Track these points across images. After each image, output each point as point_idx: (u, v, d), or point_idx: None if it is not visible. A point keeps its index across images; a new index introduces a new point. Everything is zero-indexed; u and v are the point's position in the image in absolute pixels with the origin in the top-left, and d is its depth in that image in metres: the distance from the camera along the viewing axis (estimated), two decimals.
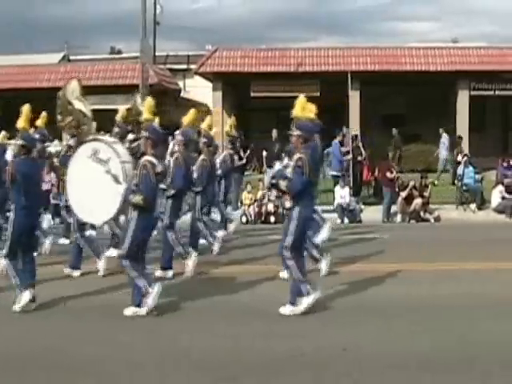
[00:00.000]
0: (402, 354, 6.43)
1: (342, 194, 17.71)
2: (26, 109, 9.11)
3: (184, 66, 33.32)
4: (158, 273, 9.97)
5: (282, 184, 7.84)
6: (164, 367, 6.25)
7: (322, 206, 17.83)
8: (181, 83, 32.75)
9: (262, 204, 16.82)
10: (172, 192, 10.10)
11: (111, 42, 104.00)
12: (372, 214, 18.59)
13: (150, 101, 9.05)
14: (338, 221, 16.93)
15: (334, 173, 19.93)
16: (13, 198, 8.37)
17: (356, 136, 22.00)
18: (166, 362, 6.38)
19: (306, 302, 7.68)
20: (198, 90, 30.82)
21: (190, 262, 10.09)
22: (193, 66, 29.70)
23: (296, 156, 7.76)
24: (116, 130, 11.94)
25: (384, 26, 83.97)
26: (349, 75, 22.35)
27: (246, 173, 19.36)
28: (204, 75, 27.79)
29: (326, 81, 25.43)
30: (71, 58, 36.77)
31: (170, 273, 10.09)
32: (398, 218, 18.14)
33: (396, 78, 25.53)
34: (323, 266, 9.78)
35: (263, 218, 16.73)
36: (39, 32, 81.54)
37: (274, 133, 20.15)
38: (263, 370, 6.13)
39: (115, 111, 12.27)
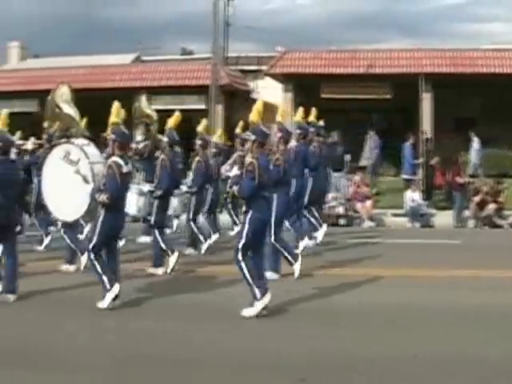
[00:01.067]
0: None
1: (413, 198, 17.52)
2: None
3: (255, 68, 33.48)
4: (151, 270, 10.49)
5: (235, 189, 8.21)
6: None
7: (393, 209, 17.81)
8: (251, 84, 32.95)
9: (332, 206, 16.79)
10: (159, 193, 10.51)
11: (183, 42, 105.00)
12: (444, 218, 18.33)
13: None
14: (409, 225, 16.77)
15: (406, 176, 19.75)
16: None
17: (427, 139, 21.74)
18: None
19: (258, 305, 7.82)
20: (269, 91, 30.93)
21: (172, 259, 10.44)
22: (263, 68, 29.87)
23: (247, 160, 8.00)
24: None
25: (455, 27, 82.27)
26: (421, 77, 22.09)
27: None
28: (274, 76, 27.90)
29: (396, 83, 25.19)
30: (144, 58, 37.43)
31: (159, 270, 10.49)
32: (471, 223, 17.85)
33: (469, 80, 25.09)
34: (297, 267, 9.97)
35: (333, 221, 16.69)
36: (113, 33, 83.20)
37: (335, 136, 19.99)
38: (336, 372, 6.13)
39: (186, 111, 12.52)
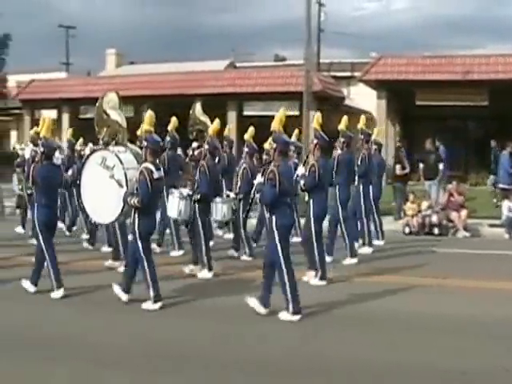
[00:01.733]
0: None
1: (511, 208, 17.01)
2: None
3: (348, 74, 33.39)
4: (199, 274, 10.77)
5: (257, 197, 8.69)
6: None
7: (489, 219, 17.33)
8: (345, 91, 32.85)
9: (426, 215, 16.50)
10: (197, 197, 10.76)
11: (276, 49, 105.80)
12: None
13: (150, 114, 10.20)
14: (506, 236, 16.26)
15: (503, 185, 19.20)
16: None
17: None
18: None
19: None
20: (362, 97, 30.77)
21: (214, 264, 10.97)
22: (357, 74, 29.73)
23: (269, 169, 8.35)
24: (168, 138, 12.98)
25: None
26: None
27: (409, 182, 19.03)
28: (368, 83, 27.72)
29: (495, 89, 24.59)
30: (237, 64, 37.89)
31: (205, 273, 10.80)
32: None
33: None
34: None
35: (427, 230, 16.41)
36: (207, 40, 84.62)
37: (428, 143, 19.62)
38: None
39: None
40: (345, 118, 12.45)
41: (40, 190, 9.47)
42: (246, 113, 29.34)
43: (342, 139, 12.18)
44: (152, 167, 8.78)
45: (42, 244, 9.39)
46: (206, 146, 11.25)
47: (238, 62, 38.67)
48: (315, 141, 10.42)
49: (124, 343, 7.40)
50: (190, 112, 14.02)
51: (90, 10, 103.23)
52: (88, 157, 10.24)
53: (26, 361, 6.80)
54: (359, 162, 13.03)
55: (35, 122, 32.54)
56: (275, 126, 8.58)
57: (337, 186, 11.70)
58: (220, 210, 11.42)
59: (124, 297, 8.91)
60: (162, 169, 9.25)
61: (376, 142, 14.51)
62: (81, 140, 14.92)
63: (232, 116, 28.04)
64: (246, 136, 13.48)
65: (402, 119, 29.28)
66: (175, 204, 11.00)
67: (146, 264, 8.76)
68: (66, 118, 31.55)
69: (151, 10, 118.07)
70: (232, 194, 12.33)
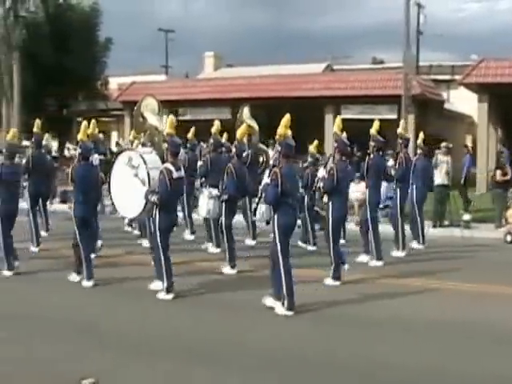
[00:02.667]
0: None
1: None
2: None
3: (448, 77, 32.85)
4: (224, 269, 11.31)
5: (224, 197, 10.17)
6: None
7: None
8: (444, 94, 32.32)
9: None
10: (225, 197, 11.29)
11: (374, 52, 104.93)
12: None
13: (171, 118, 10.71)
14: None
15: None
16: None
17: None
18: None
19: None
20: (462, 101, 30.21)
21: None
22: (457, 77, 29.19)
23: (272, 170, 8.96)
24: (211, 141, 13.56)
25: None
26: None
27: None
28: (469, 86, 27.17)
29: None
30: (334, 67, 37.87)
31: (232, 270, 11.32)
32: None
33: None
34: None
35: None
36: (305, 42, 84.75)
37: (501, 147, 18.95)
38: None
39: (373, 122, 12.56)
40: (376, 123, 12.59)
41: (77, 188, 10.53)
42: (343, 116, 29.26)
43: (372, 143, 12.44)
44: (172, 167, 9.52)
45: (78, 238, 10.34)
46: (234, 150, 11.87)
47: (335, 64, 38.65)
48: (335, 145, 10.97)
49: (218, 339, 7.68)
50: (238, 115, 14.65)
51: (188, 13, 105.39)
52: (117, 156, 11.08)
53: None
54: (397, 166, 13.30)
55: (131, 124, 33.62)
56: (281, 130, 9.05)
57: (367, 189, 12.32)
58: (259, 210, 11.42)
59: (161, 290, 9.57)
60: (182, 169, 9.90)
61: (421, 147, 14.79)
62: (136, 142, 14.86)
63: (329, 119, 28.03)
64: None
65: (504, 123, 28.55)
66: (204, 203, 12.05)
67: (162, 257, 9.48)
68: (164, 119, 32.28)
69: (250, 12, 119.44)
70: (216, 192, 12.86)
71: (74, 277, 10.43)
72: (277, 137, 9.31)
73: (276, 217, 8.82)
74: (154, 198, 9.44)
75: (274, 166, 9.42)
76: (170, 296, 9.38)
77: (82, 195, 10.45)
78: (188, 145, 14.97)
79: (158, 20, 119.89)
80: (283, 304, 8.64)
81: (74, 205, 10.54)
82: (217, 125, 13.78)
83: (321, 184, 10.87)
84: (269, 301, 8.80)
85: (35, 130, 14.07)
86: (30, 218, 13.42)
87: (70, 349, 7.25)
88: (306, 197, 13.50)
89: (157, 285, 9.65)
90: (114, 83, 36.24)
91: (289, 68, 33.80)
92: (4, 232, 11.02)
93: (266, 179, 9.26)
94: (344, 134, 10.98)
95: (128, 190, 10.26)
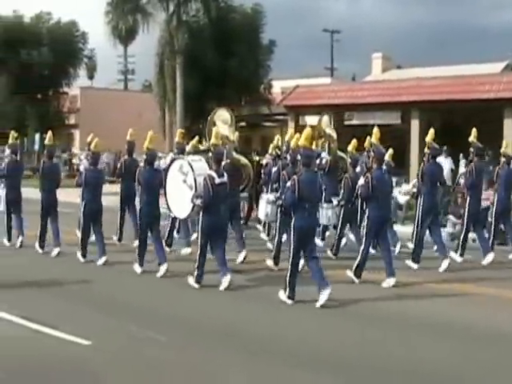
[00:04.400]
0: None
1: None
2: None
3: None
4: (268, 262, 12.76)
5: (279, 202, 11.06)
6: None
7: None
8: None
9: None
10: (280, 202, 11.46)
11: None
12: None
13: (216, 130, 12.41)
14: None
15: None
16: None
17: None
18: None
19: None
20: None
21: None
22: None
23: (292, 178, 10.39)
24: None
25: None
26: None
27: None
28: None
29: None
30: None
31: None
32: None
33: None
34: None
35: None
36: (482, 40, 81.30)
37: None
38: None
39: None
40: (431, 131, 13.32)
41: (143, 190, 12.46)
42: None
43: (427, 150, 13.31)
44: (214, 174, 11.05)
45: (140, 235, 12.43)
46: (289, 157, 12.94)
47: None
48: (372, 154, 12.10)
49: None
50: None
51: (355, 13, 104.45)
52: (170, 164, 12.55)
53: None
54: (467, 175, 13.96)
55: (299, 129, 33.12)
56: (301, 141, 10.60)
57: (420, 196, 13.35)
58: (325, 214, 13.75)
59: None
60: (225, 175, 11.27)
61: (505, 155, 14.58)
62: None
63: (509, 124, 26.07)
64: (349, 148, 14.35)
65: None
66: (263, 207, 13.75)
67: (199, 252, 11.14)
68: (325, 121, 31.52)
69: (422, 10, 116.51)
70: (335, 201, 13.93)
71: (136, 267, 12.32)
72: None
73: (293, 220, 10.11)
74: (198, 202, 11.09)
75: (295, 173, 10.73)
76: (197, 285, 11.08)
77: (147, 196, 12.31)
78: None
79: (323, 20, 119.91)
80: (285, 291, 10.10)
81: (140, 206, 12.64)
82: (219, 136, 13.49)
83: (359, 191, 11.80)
84: (282, 294, 10.14)
85: (47, 142, 14.95)
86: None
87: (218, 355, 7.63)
88: None
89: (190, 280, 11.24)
90: (277, 87, 35.94)
91: (462, 68, 31.96)
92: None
93: (288, 184, 10.42)
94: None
95: (179, 194, 11.87)
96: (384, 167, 12.19)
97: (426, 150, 13.33)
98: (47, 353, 7.92)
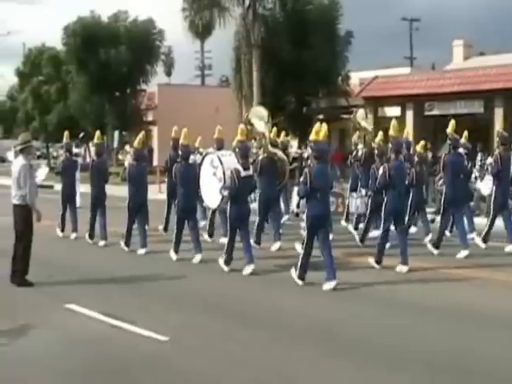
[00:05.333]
0: None
1: None
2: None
3: None
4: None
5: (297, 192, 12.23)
6: None
7: None
8: None
9: None
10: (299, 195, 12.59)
11: None
12: None
13: (242, 127, 13.92)
14: None
15: None
16: None
17: None
18: None
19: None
20: None
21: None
22: None
23: (304, 170, 11.49)
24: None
25: None
26: None
27: None
28: None
29: None
30: None
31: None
32: None
33: None
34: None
35: None
36: None
37: None
38: None
39: None
40: (452, 122, 14.21)
41: (179, 183, 13.58)
42: None
43: (449, 141, 14.20)
44: (240, 168, 12.24)
45: (175, 228, 13.58)
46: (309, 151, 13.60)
47: None
48: (390, 145, 12.92)
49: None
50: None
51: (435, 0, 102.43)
52: (203, 158, 13.80)
53: None
54: (493, 163, 14.56)
55: (378, 120, 32.77)
56: (313, 136, 11.33)
57: (444, 185, 14.23)
58: (354, 203, 15.38)
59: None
60: (251, 168, 12.64)
61: None
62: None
63: None
64: (377, 139, 15.27)
65: None
66: (353, 202, 15.42)
67: (228, 239, 12.41)
68: (409, 115, 31.06)
69: None
70: (363, 191, 14.99)
71: (172, 253, 13.59)
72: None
73: (306, 209, 11.19)
74: (225, 193, 12.33)
75: (306, 166, 12.24)
76: (226, 268, 12.29)
77: (183, 189, 13.44)
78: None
79: (402, 9, 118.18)
80: (295, 269, 11.23)
81: (177, 197, 13.98)
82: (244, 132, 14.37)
83: (376, 182, 12.73)
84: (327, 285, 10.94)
85: (96, 140, 16.43)
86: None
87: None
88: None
89: (221, 261, 12.43)
90: (355, 78, 35.61)
91: None
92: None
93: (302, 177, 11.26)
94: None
95: (210, 186, 13.10)
96: (459, 150, 13.96)
97: (447, 141, 14.46)
98: (125, 348, 8.12)
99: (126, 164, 15.69)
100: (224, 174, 12.48)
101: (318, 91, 34.96)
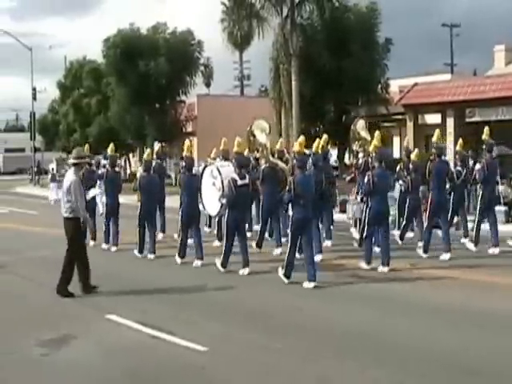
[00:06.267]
0: None
1: None
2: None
3: None
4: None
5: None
6: None
7: None
8: None
9: None
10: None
11: None
12: None
13: (238, 140, 14.76)
14: None
15: None
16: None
17: None
18: None
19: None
20: None
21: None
22: None
23: (289, 179, 12.52)
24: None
25: None
26: None
27: None
28: None
29: None
30: None
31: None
32: None
33: None
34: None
35: None
36: None
37: None
38: None
39: None
40: (486, 128, 15.37)
41: (183, 192, 14.92)
42: None
43: (434, 150, 15.18)
44: (237, 177, 13.27)
45: (182, 232, 14.47)
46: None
47: None
48: (373, 154, 14.16)
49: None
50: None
51: (475, 4, 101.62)
52: (204, 169, 14.75)
53: None
54: (480, 170, 15.31)
55: (419, 128, 32.54)
56: (295, 148, 12.93)
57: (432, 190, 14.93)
58: (351, 209, 16.76)
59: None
60: (247, 177, 13.50)
61: None
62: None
63: None
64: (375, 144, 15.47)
65: None
66: (350, 207, 16.88)
67: (225, 241, 13.38)
68: (450, 122, 30.85)
69: None
70: (358, 197, 15.81)
71: (177, 258, 14.52)
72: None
73: (291, 213, 12.40)
74: (223, 201, 13.35)
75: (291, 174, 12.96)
76: (222, 269, 13.33)
77: (187, 198, 14.49)
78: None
79: (442, 15, 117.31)
80: (282, 267, 12.26)
81: (181, 207, 14.94)
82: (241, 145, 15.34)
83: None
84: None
85: (110, 152, 17.48)
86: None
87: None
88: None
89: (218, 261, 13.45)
90: (394, 86, 35.46)
91: None
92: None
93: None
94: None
95: (210, 194, 13.95)
96: (443, 158, 15.31)
97: (432, 150, 15.56)
98: (164, 358, 8.21)
99: (138, 175, 16.91)
100: (222, 183, 13.47)
101: (357, 99, 34.87)
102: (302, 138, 13.18)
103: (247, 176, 13.62)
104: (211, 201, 14.09)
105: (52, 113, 62.28)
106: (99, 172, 18.21)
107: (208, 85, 57.40)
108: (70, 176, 11.76)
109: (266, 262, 14.14)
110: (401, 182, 16.35)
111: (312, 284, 11.78)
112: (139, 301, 11.20)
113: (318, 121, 33.82)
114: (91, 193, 15.64)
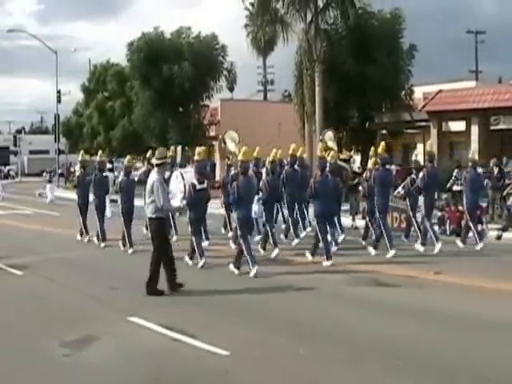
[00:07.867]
0: None
1: None
2: None
3: None
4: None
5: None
6: None
7: None
8: None
9: None
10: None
11: None
12: None
13: (199, 149, 16.14)
14: None
15: None
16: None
17: None
18: None
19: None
20: None
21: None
22: None
23: (233, 183, 14.37)
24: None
25: None
26: None
27: None
28: None
29: None
30: None
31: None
32: None
33: None
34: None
35: None
36: None
37: None
38: None
39: None
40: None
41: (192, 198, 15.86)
42: None
43: (379, 160, 16.61)
44: (196, 182, 14.91)
45: (193, 232, 15.31)
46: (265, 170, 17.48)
47: None
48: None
49: None
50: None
51: (500, 11, 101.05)
52: (171, 174, 15.56)
53: None
54: (421, 179, 16.57)
55: (443, 135, 32.37)
56: (240, 157, 14.40)
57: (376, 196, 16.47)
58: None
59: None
60: (205, 183, 15.20)
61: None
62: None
63: None
64: (379, 150, 17.00)
65: None
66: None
67: (194, 237, 15.02)
68: (475, 129, 30.67)
69: None
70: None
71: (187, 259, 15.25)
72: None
73: (236, 213, 14.20)
74: (183, 202, 14.34)
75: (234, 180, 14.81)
76: (190, 262, 14.99)
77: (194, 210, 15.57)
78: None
79: (466, 22, 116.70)
80: (251, 264, 13.58)
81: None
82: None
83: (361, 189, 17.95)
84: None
85: (126, 163, 18.97)
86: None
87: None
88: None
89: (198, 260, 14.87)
90: (418, 92, 35.31)
91: None
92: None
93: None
94: None
95: (176, 194, 14.44)
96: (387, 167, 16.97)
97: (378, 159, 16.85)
98: (185, 361, 8.26)
99: (120, 179, 18.81)
100: (184, 186, 14.67)
101: (381, 106, 34.76)
102: (245, 149, 14.49)
103: (206, 181, 15.38)
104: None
105: (76, 115, 62.77)
106: (137, 173, 19.69)
107: (231, 89, 57.48)
108: (153, 176, 12.17)
109: (286, 266, 14.32)
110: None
111: (254, 271, 13.45)
112: (160, 303, 11.27)
113: (341, 127, 33.69)
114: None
